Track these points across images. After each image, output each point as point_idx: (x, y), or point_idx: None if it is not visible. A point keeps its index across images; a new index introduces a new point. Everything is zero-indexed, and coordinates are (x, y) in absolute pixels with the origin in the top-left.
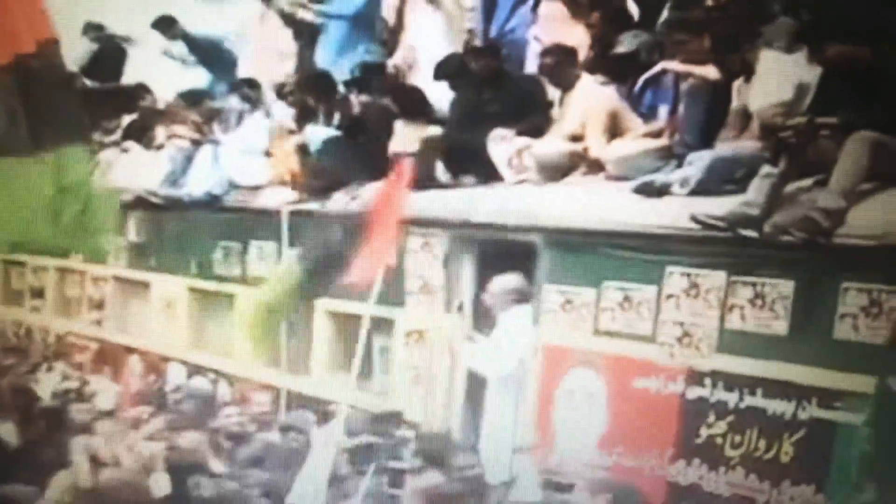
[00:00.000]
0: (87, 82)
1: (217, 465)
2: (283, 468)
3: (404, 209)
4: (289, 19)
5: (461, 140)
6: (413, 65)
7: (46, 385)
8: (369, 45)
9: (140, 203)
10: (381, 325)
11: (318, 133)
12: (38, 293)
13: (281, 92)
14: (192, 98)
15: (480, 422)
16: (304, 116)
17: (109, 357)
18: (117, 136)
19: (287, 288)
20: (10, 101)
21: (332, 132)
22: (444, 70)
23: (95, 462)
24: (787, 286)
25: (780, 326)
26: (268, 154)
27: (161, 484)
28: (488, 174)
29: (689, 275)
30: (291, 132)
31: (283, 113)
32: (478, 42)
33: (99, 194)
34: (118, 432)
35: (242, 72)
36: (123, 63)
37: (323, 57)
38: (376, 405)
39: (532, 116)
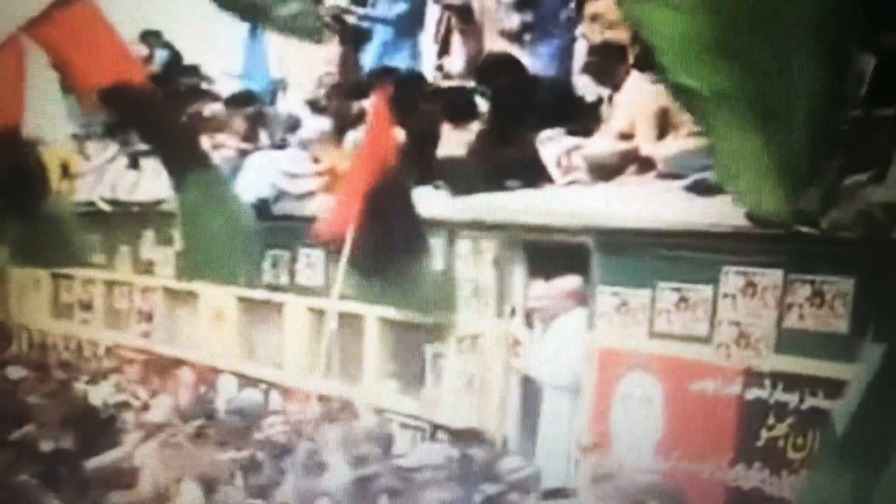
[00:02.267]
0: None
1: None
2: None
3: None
4: (333, 25)
5: (507, 143)
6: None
7: (99, 399)
8: (412, 51)
9: None
10: (434, 331)
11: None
12: (87, 306)
13: (323, 97)
14: (240, 103)
15: (535, 427)
16: (349, 122)
17: (159, 369)
18: None
19: None
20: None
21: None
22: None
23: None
24: (846, 283)
25: (840, 325)
26: (315, 161)
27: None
28: (536, 176)
29: (745, 273)
30: (337, 138)
31: (328, 119)
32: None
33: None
34: (169, 444)
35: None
36: (182, 71)
37: (366, 62)
38: (429, 413)
39: (575, 117)
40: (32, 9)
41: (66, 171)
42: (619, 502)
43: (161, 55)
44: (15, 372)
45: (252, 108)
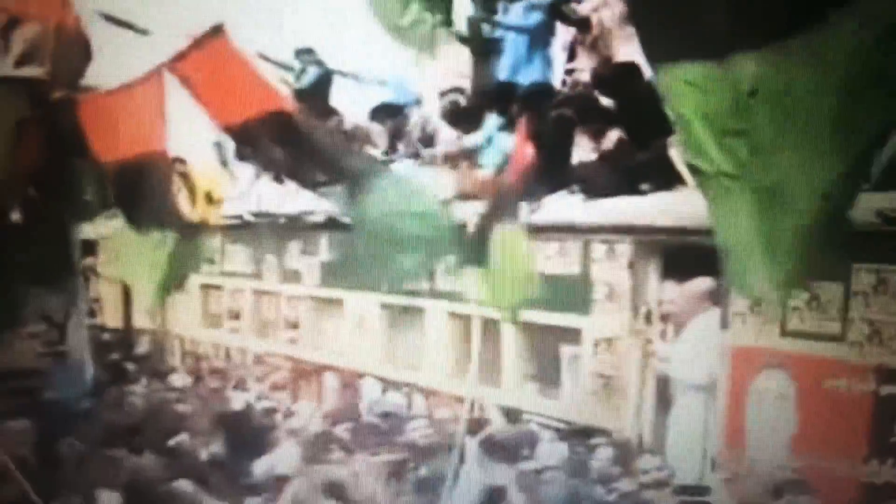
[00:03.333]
0: None
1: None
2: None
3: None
4: (468, 38)
5: (639, 147)
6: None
7: (248, 405)
8: (544, 60)
9: (331, 223)
10: (568, 334)
11: (497, 145)
12: (236, 315)
13: (457, 106)
14: (383, 115)
15: (670, 427)
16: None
17: (306, 375)
18: None
19: None
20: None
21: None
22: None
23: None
24: None
25: None
26: (452, 167)
27: None
28: (668, 179)
29: (876, 271)
30: (471, 148)
31: (462, 128)
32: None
33: None
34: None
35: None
36: (330, 87)
37: (500, 73)
38: (567, 414)
39: None
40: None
41: (210, 199)
42: (752, 498)
43: (312, 71)
44: (180, 380)
45: (394, 119)
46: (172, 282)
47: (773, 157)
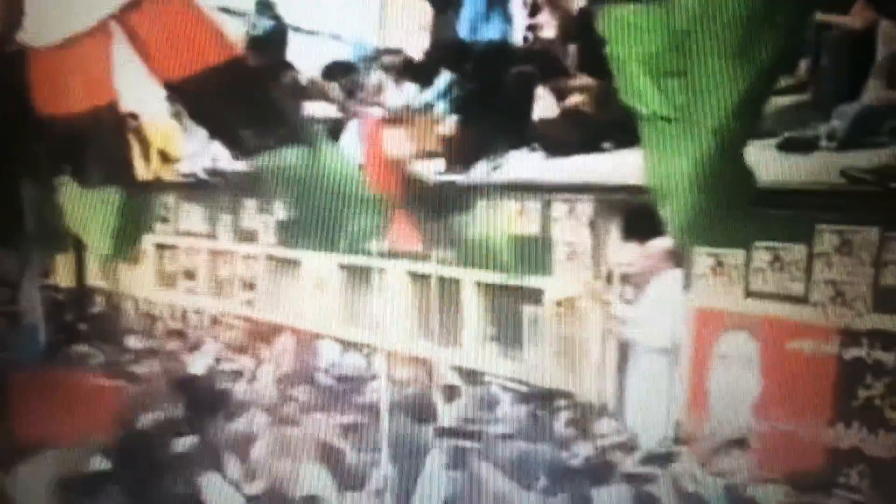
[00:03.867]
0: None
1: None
2: None
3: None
4: None
5: (601, 104)
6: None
7: (205, 368)
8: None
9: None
10: (531, 295)
11: (456, 101)
12: (191, 275)
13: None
14: (337, 72)
15: (632, 389)
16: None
17: (262, 336)
18: None
19: None
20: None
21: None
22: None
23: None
24: None
25: None
26: (408, 126)
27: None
28: (631, 137)
29: (840, 232)
30: (429, 103)
31: (421, 83)
32: None
33: None
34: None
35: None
36: (286, 41)
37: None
38: (528, 376)
39: None
40: None
41: (165, 157)
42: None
43: (267, 24)
44: (135, 342)
45: (349, 76)
46: (125, 242)
47: (703, 96)
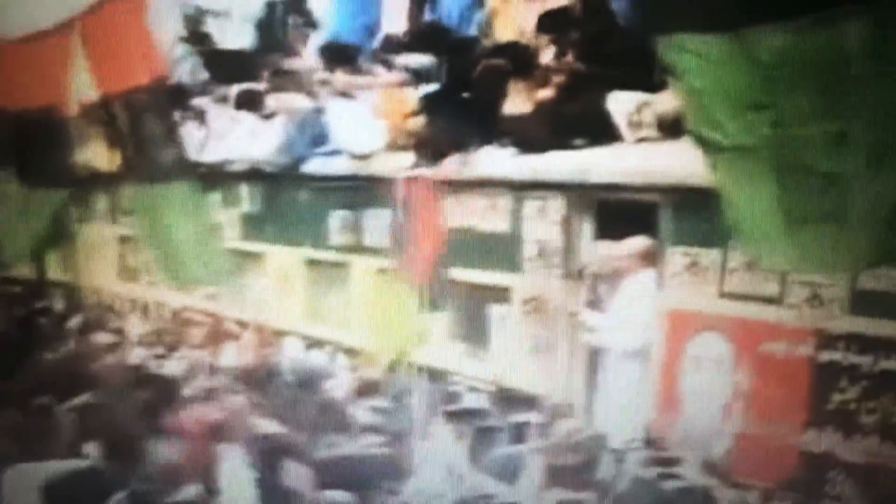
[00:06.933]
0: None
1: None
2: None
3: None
4: None
5: (574, 100)
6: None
7: (167, 362)
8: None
9: (253, 173)
10: (499, 293)
11: (429, 93)
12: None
13: (391, 49)
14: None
15: (602, 391)
16: (416, 76)
17: (225, 331)
18: (230, 105)
19: None
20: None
21: (442, 91)
22: (550, 22)
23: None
24: None
25: None
26: (381, 118)
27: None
28: (604, 133)
29: None
30: (401, 93)
31: (394, 73)
32: None
33: None
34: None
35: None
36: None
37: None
38: (494, 376)
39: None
40: None
41: None
42: None
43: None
44: (90, 334)
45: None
46: (52, 239)
47: (796, 130)
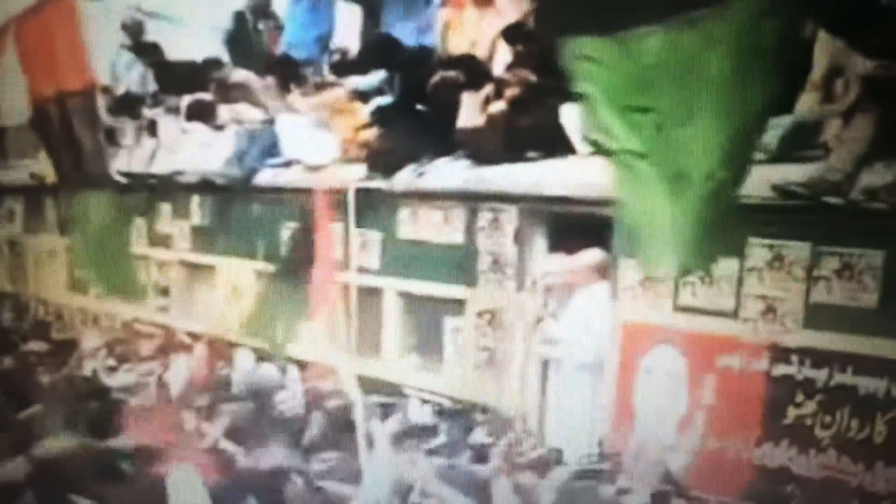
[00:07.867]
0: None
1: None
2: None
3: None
4: None
5: (527, 112)
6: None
7: (113, 374)
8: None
9: (204, 185)
10: (453, 306)
11: (381, 104)
12: None
13: (343, 61)
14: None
15: (555, 404)
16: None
17: (176, 344)
18: (181, 116)
19: None
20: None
21: (396, 103)
22: (512, 35)
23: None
24: (875, 256)
25: (870, 299)
26: (333, 130)
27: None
28: (558, 146)
29: (771, 246)
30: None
31: (349, 84)
32: None
33: None
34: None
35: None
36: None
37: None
38: (448, 388)
39: None
40: None
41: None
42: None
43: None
44: (37, 346)
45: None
46: None
47: (676, 133)
